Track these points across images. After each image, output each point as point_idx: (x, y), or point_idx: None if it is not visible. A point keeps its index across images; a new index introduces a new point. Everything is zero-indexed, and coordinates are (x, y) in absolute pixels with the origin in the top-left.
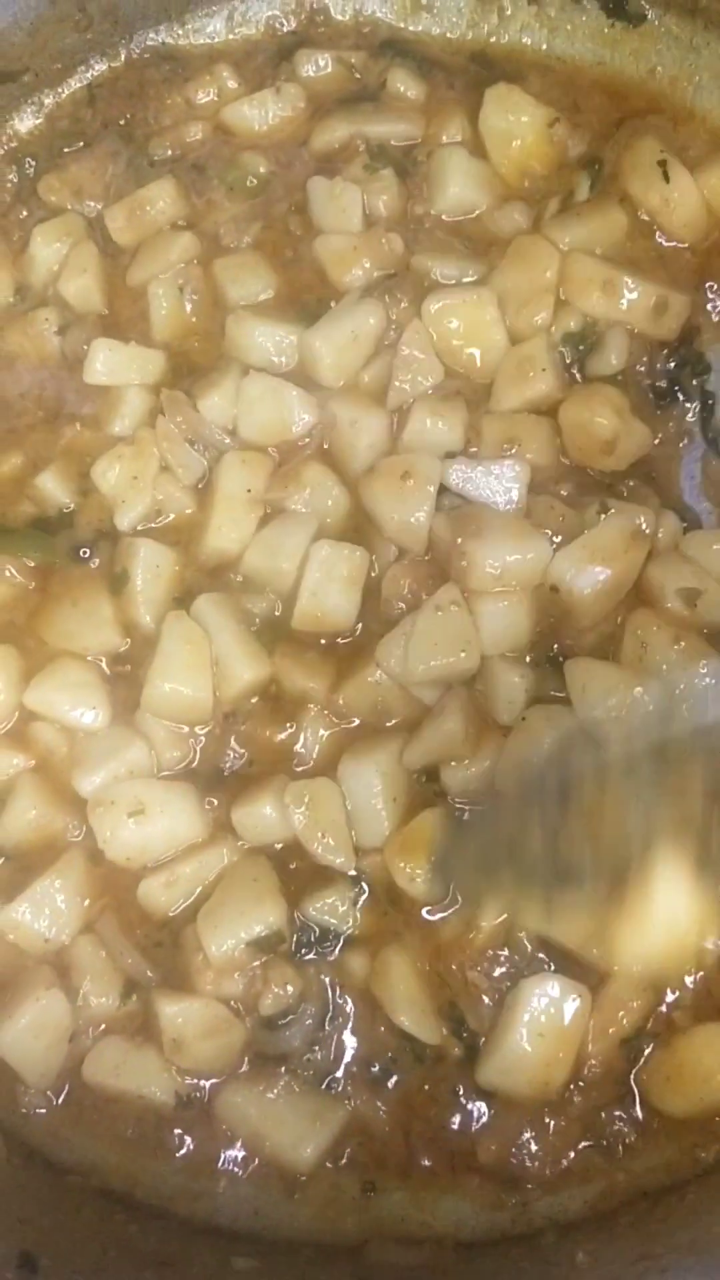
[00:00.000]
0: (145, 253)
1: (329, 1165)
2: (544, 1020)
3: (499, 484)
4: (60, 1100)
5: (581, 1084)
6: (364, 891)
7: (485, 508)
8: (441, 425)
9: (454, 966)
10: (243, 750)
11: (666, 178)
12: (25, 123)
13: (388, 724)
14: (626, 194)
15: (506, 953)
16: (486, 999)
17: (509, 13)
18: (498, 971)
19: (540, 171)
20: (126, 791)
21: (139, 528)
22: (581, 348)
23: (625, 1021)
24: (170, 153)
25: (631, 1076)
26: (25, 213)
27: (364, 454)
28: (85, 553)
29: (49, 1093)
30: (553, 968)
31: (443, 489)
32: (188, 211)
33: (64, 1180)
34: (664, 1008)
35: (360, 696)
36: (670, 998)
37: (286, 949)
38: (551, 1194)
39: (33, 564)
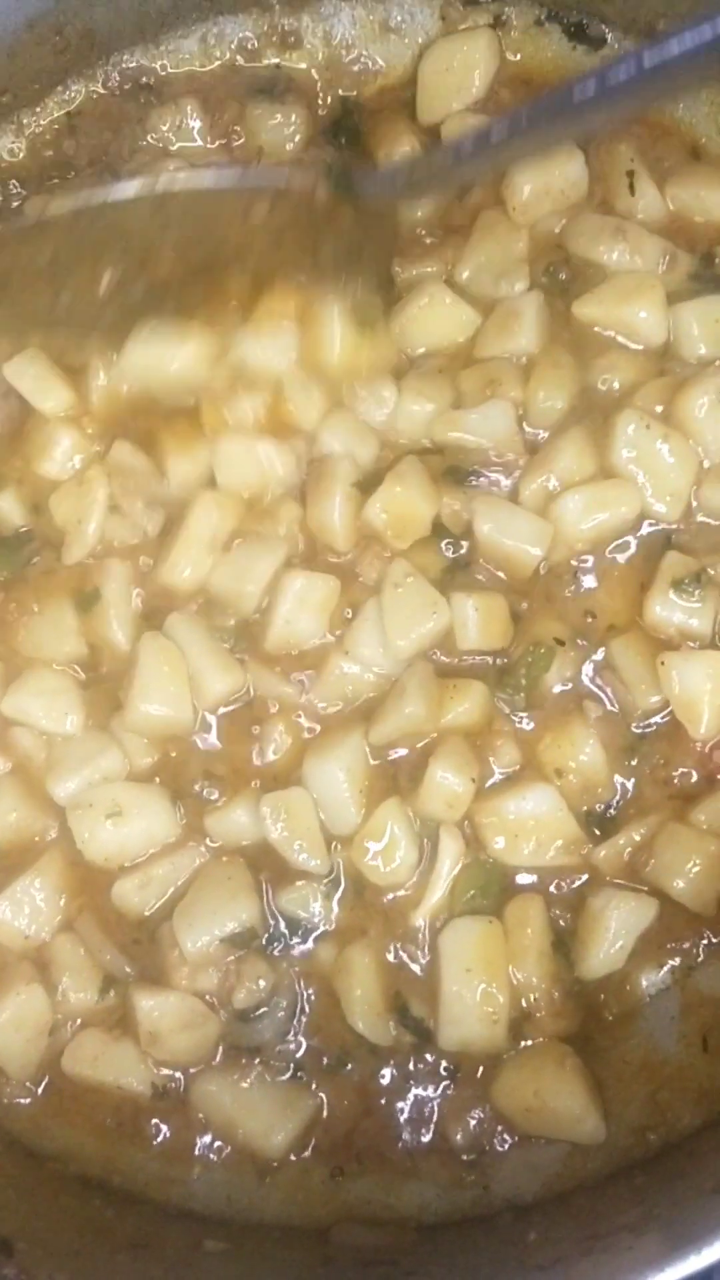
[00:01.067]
0: None
1: (297, 1153)
2: (463, 956)
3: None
4: (40, 1091)
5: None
6: (336, 886)
7: None
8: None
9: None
10: (216, 758)
11: (632, 190)
12: (5, 142)
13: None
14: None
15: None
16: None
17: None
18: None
19: None
20: (104, 794)
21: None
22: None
23: (530, 931)
24: None
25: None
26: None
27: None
28: (36, 560)
29: (28, 1083)
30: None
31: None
32: None
33: (43, 1168)
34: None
35: (330, 689)
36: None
37: (259, 944)
38: (510, 1175)
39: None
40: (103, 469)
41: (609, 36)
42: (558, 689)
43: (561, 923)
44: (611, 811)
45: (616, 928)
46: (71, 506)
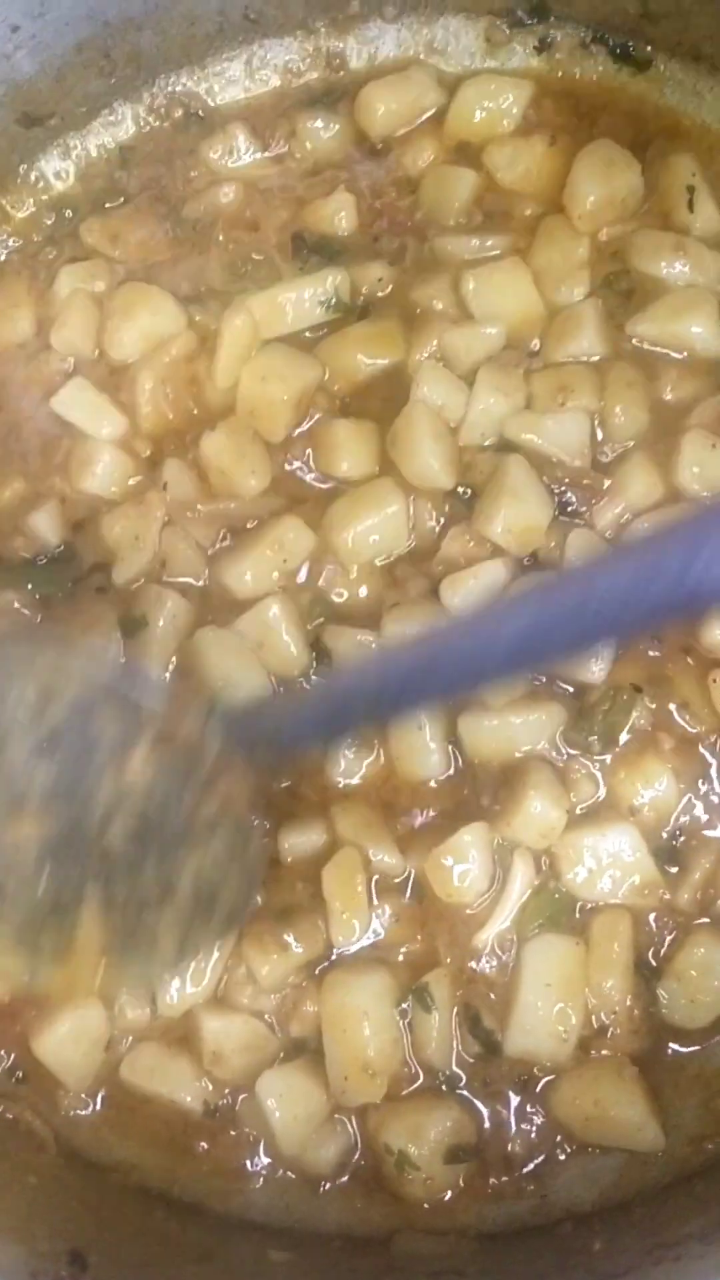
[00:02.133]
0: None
1: (351, 1165)
2: (545, 971)
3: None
4: (99, 1104)
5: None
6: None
7: None
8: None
9: (470, 965)
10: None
11: (691, 206)
12: (52, 164)
13: None
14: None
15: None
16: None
17: (517, 56)
18: (499, 958)
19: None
20: None
21: (134, 586)
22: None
23: (617, 947)
24: (203, 214)
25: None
26: (54, 253)
27: None
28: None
29: (85, 1095)
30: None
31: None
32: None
33: (106, 1179)
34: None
35: None
36: None
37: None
38: (567, 1184)
39: (38, 595)
40: (159, 493)
41: (655, 60)
42: (632, 732)
43: (651, 957)
44: (679, 839)
45: (718, 984)
46: (128, 526)
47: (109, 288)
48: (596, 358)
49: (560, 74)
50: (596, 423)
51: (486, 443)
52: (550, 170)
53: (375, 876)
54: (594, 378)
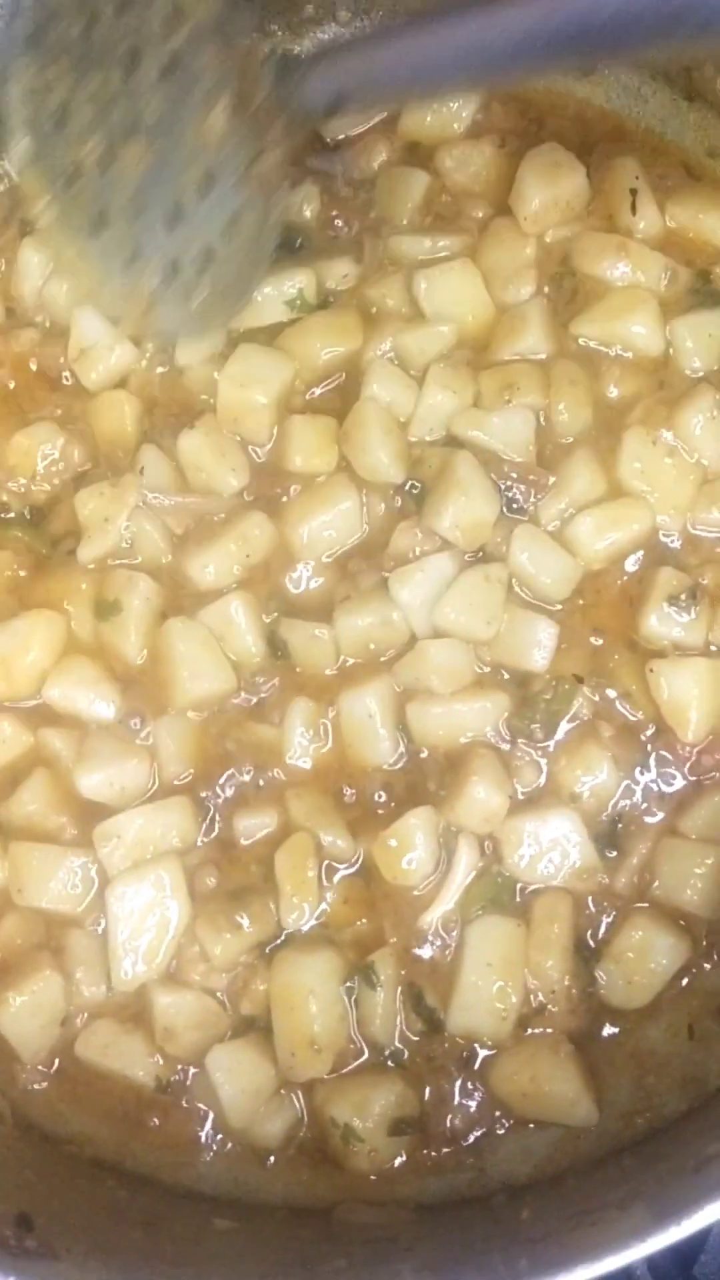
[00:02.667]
0: None
1: (298, 1138)
2: (487, 951)
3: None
4: (55, 1078)
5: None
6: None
7: None
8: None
9: (414, 945)
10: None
11: (634, 208)
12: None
13: (381, 659)
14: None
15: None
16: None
17: None
18: (444, 939)
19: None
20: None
21: (90, 566)
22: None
23: (556, 928)
24: None
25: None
26: (15, 232)
27: None
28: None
29: (42, 1067)
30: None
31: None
32: None
33: (59, 1150)
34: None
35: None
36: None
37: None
38: (505, 1158)
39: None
40: (135, 476)
41: (599, 64)
42: (573, 720)
43: (589, 938)
44: (618, 825)
45: (655, 968)
46: (100, 506)
47: None
48: (542, 356)
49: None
50: (542, 419)
51: (433, 438)
52: (499, 172)
53: (325, 861)
54: (539, 375)
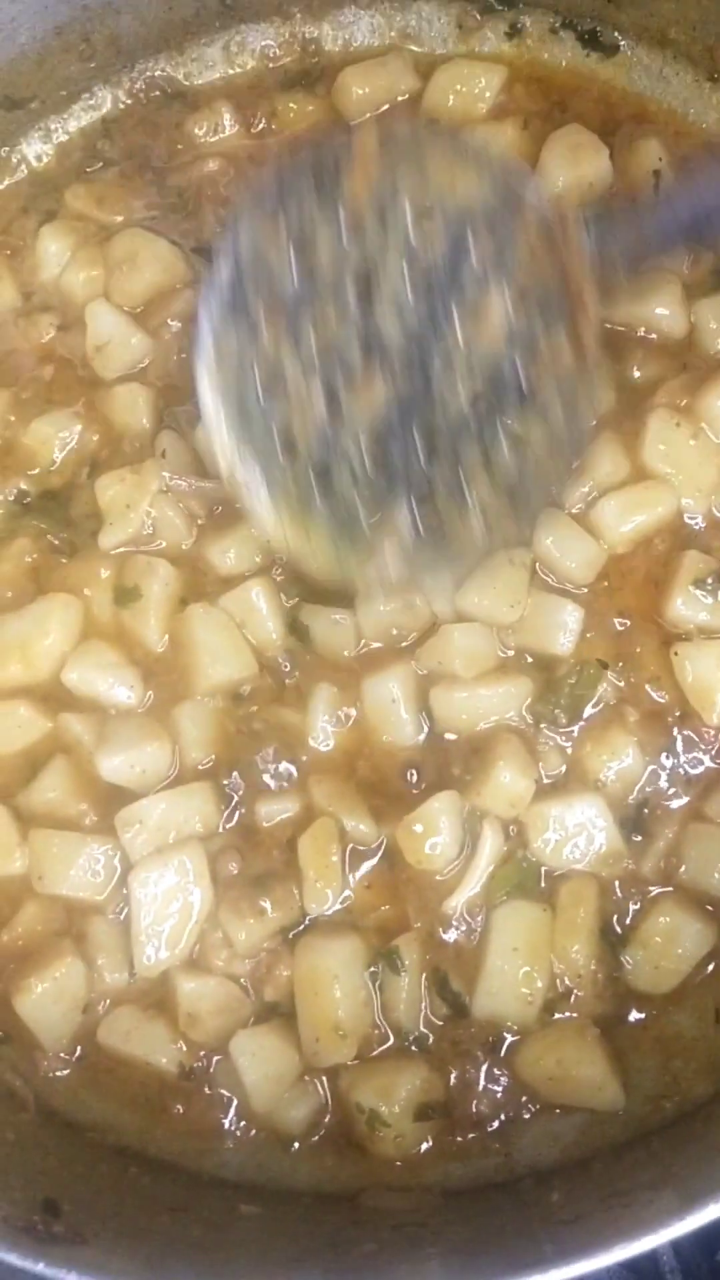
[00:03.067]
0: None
1: (322, 1124)
2: (513, 936)
3: None
4: (76, 1065)
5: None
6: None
7: None
8: None
9: (439, 930)
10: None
11: (657, 189)
12: (33, 147)
13: (403, 644)
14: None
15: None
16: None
17: (489, 42)
18: (469, 923)
19: None
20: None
21: (111, 552)
22: None
23: (583, 912)
24: (189, 184)
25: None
26: (35, 221)
27: None
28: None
29: (64, 1055)
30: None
31: None
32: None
33: (82, 1138)
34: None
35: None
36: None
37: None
38: (531, 1143)
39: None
40: (156, 461)
41: (622, 44)
42: (598, 705)
43: (616, 923)
44: (644, 809)
45: (682, 953)
46: (122, 492)
47: (99, 242)
48: None
49: (531, 59)
50: None
51: None
52: (523, 154)
53: (350, 846)
54: None
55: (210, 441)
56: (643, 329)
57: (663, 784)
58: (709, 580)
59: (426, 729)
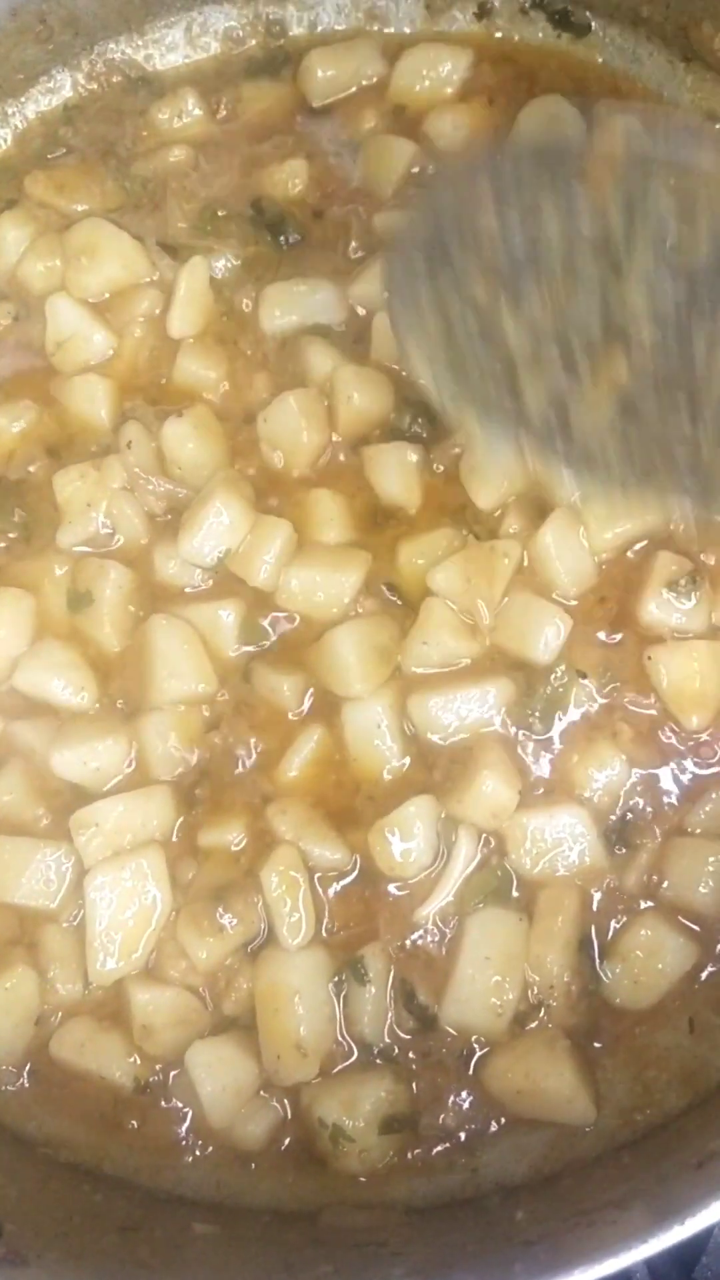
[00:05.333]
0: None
1: (282, 1140)
2: (486, 944)
3: None
4: (28, 1079)
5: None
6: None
7: None
8: None
9: (408, 940)
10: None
11: None
12: None
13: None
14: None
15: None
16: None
17: (458, 23)
18: (440, 931)
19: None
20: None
21: (68, 550)
22: None
23: (561, 920)
24: (153, 173)
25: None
26: None
27: None
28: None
29: (12, 1068)
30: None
31: None
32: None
33: (33, 1154)
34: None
35: None
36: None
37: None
38: (498, 1158)
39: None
40: (119, 456)
41: (594, 24)
42: (579, 714)
43: (594, 935)
44: (628, 822)
45: (663, 968)
46: (82, 490)
47: (58, 230)
48: None
49: (501, 40)
50: None
51: None
52: (491, 128)
53: (317, 874)
54: None
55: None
56: None
57: (648, 797)
58: (681, 582)
59: (407, 734)
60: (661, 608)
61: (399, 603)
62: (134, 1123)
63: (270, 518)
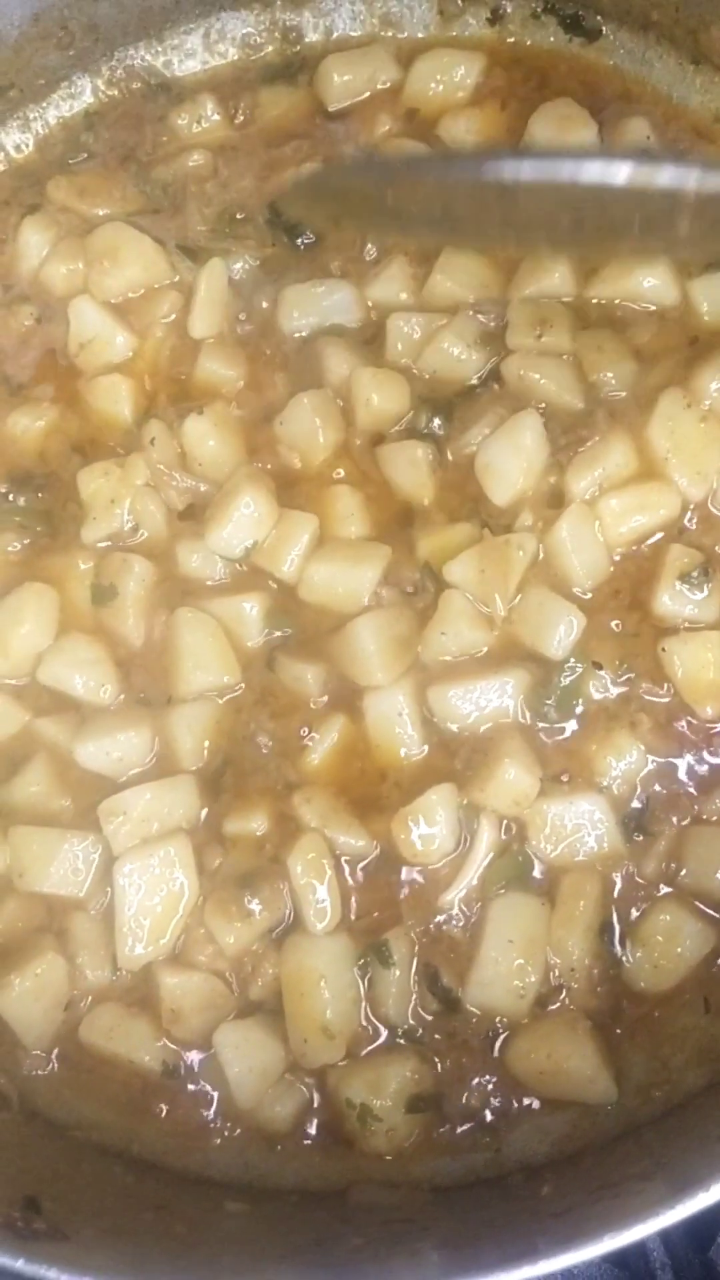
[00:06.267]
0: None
1: (309, 1121)
2: (509, 928)
3: None
4: (57, 1064)
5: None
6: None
7: None
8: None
9: (431, 924)
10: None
11: None
12: (12, 137)
13: None
14: None
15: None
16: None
17: (470, 28)
18: (464, 916)
19: None
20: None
21: (94, 545)
22: None
23: (583, 905)
24: (174, 178)
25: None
26: (16, 215)
27: None
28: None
29: (42, 1053)
30: (502, 890)
31: None
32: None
33: (66, 1136)
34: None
35: None
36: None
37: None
38: (521, 1137)
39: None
40: (142, 454)
41: (604, 28)
42: (596, 704)
43: (616, 920)
44: (646, 810)
45: (682, 952)
46: (107, 486)
47: (81, 235)
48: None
49: (513, 44)
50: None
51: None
52: (504, 132)
53: (344, 858)
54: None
55: None
56: (636, 302)
57: (666, 785)
58: (694, 574)
59: (428, 719)
60: (675, 599)
61: (416, 594)
62: (163, 1107)
63: (296, 512)
